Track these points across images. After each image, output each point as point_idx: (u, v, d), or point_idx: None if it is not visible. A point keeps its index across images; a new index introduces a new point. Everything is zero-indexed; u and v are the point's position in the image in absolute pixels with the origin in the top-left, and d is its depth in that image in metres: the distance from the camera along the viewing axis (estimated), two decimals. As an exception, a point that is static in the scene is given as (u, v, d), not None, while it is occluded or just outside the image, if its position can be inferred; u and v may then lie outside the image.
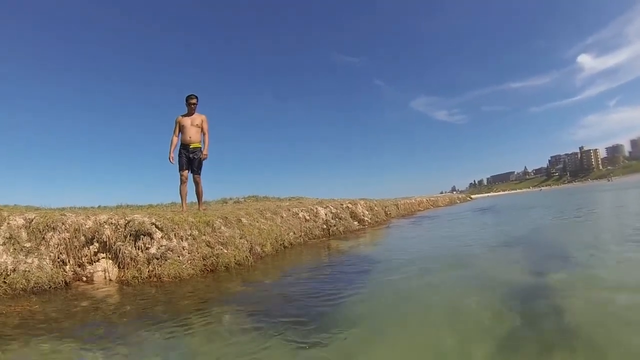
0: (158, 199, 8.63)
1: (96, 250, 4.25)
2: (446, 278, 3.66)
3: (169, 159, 6.00)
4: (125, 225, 4.46)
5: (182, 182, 6.06)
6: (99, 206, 6.35)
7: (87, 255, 4.17)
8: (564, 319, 2.29)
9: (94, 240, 4.25)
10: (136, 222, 4.48)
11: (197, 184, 6.18)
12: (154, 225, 4.56)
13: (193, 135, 6.07)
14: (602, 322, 2.20)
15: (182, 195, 6.17)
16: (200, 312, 3.00)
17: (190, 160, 6.07)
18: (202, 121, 6.15)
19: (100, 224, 4.36)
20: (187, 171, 6.04)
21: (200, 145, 6.15)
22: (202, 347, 2.33)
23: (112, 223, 4.44)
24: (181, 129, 6.08)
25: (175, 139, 6.06)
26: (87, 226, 4.26)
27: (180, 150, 6.08)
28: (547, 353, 1.88)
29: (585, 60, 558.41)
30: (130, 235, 4.37)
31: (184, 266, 4.35)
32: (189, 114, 6.14)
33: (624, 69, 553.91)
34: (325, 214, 8.64)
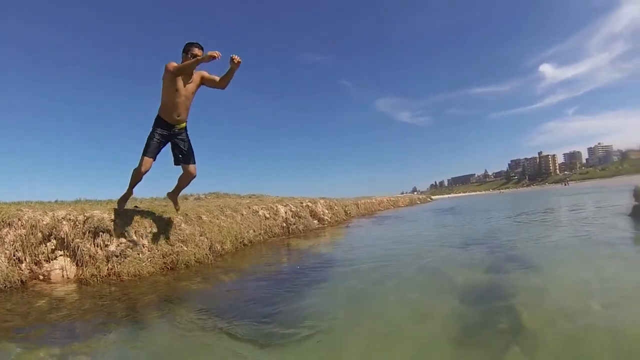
0: (118, 193, 8.42)
1: (54, 247, 4.22)
2: (404, 278, 3.80)
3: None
4: (84, 222, 4.45)
5: (142, 171, 4.32)
6: (57, 201, 6.18)
7: (44, 252, 4.14)
8: (519, 317, 2.42)
9: (52, 237, 4.22)
10: (95, 218, 4.49)
11: (190, 176, 4.69)
12: (113, 222, 4.57)
13: (183, 111, 4.36)
14: (554, 318, 2.37)
15: (136, 178, 4.46)
16: (161, 311, 3.10)
17: (174, 146, 4.47)
18: (203, 78, 4.36)
19: (58, 220, 4.32)
20: (152, 161, 4.33)
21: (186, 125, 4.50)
22: (162, 346, 2.40)
23: (70, 219, 4.42)
24: (169, 95, 4.22)
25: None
26: (45, 222, 4.22)
27: (155, 130, 4.30)
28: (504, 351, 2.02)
29: (547, 69, 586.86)
30: (89, 232, 4.36)
31: (143, 264, 4.43)
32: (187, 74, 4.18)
33: (583, 80, 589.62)
34: (285, 213, 8.83)
